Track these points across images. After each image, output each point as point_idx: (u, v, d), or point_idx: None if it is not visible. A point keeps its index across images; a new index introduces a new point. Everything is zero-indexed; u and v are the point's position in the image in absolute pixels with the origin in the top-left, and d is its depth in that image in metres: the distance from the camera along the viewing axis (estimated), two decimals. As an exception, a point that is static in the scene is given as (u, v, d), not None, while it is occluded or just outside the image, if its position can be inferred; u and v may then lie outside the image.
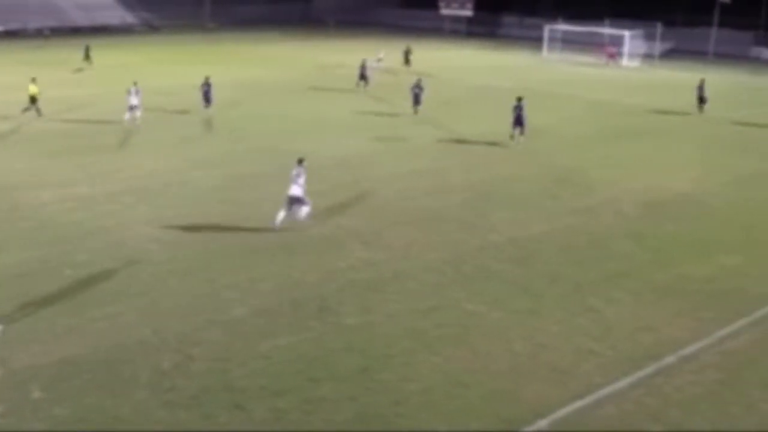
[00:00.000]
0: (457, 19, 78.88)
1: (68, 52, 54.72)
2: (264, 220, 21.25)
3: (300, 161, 20.72)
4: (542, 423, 12.29)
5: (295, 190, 20.34)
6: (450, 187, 25.12)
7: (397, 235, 20.50)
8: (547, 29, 64.52)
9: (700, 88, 39.78)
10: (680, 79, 53.48)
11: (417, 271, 18.18)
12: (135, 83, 33.09)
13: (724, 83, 51.60)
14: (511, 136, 31.00)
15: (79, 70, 48.90)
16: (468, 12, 77.28)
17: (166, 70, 49.11)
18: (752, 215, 23.19)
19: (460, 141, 32.06)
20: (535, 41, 66.53)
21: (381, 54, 52.59)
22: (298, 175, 20.34)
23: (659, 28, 62.40)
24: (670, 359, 14.34)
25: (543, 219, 22.23)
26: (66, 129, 32.30)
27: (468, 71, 52.13)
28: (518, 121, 30.87)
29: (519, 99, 31.29)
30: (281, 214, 20.44)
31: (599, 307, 16.54)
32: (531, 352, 14.53)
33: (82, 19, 75.03)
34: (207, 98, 35.21)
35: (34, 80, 33.89)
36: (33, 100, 33.48)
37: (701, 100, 39.53)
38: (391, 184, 25.31)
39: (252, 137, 31.59)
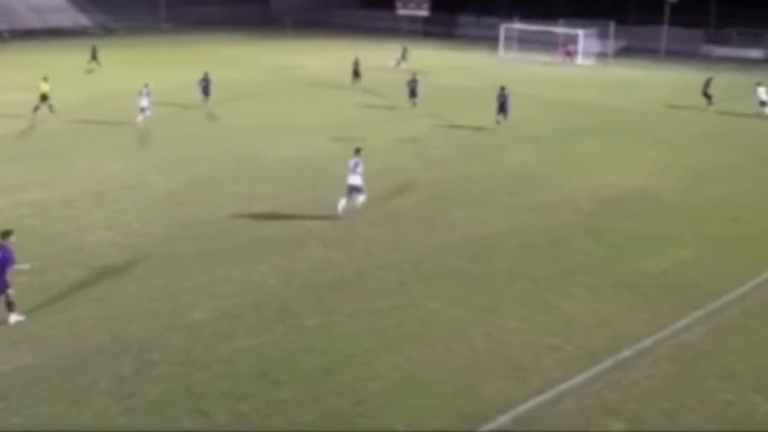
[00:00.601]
0: (414, 20, 79.15)
1: (29, 54, 53.94)
2: (225, 222, 21.18)
3: (357, 151, 21.72)
4: (503, 419, 12.44)
5: (354, 180, 21.38)
6: (409, 185, 25.24)
7: (357, 235, 20.56)
8: (503, 29, 65.09)
9: (707, 85, 40.84)
10: (634, 76, 54.38)
11: (377, 270, 18.26)
12: (146, 84, 33.39)
13: (676, 80, 52.57)
14: (497, 122, 34.25)
15: (90, 71, 48.91)
16: (425, 12, 77.61)
17: (123, 72, 48.55)
18: (704, 210, 23.66)
19: (418, 139, 32.22)
20: (491, 41, 66.99)
21: (398, 54, 53.55)
22: (356, 165, 21.35)
23: (612, 27, 63.34)
24: (627, 353, 14.60)
25: (501, 216, 22.46)
26: (24, 132, 31.78)
27: (426, 71, 52.30)
28: (502, 108, 34.40)
29: (502, 88, 34.85)
30: (342, 202, 21.47)
31: (557, 302, 16.77)
32: (491, 349, 14.68)
33: (34, 22, 73.76)
34: (206, 92, 37.61)
35: (45, 79, 34.06)
36: (44, 98, 33.79)
37: (707, 96, 40.62)
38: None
39: (213, 139, 31.42)
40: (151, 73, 47.65)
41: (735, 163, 29.74)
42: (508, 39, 64.61)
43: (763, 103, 40.28)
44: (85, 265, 18.05)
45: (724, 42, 68.03)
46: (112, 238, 19.92)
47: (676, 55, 64.44)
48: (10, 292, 14.83)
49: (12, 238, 15.15)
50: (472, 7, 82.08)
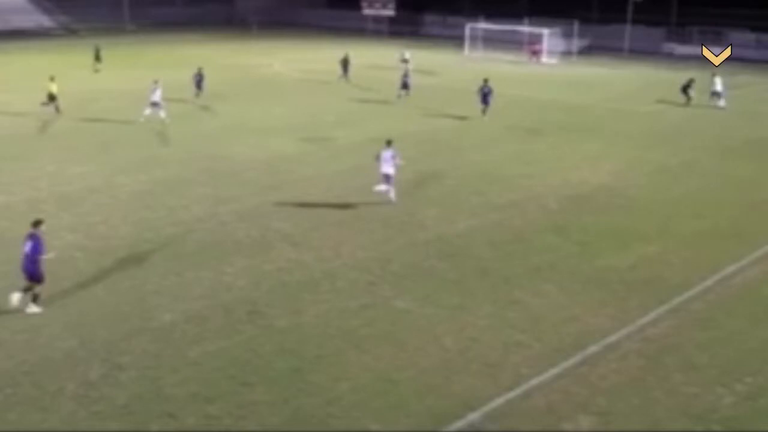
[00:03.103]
0: (379, 19, 79.25)
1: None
2: (192, 224, 21.04)
3: (389, 143, 23.37)
4: (473, 417, 12.52)
5: (388, 169, 23.05)
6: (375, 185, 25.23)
7: (326, 236, 20.55)
8: (469, 28, 65.38)
9: (688, 85, 41.99)
10: (598, 75, 54.89)
11: (346, 270, 18.26)
12: (156, 81, 33.94)
13: (639, 78, 53.20)
14: (483, 111, 36.49)
15: (97, 71, 49.12)
16: (390, 12, 77.74)
17: (84, 75, 47.99)
18: (669, 206, 23.98)
19: (384, 139, 32.11)
20: (457, 40, 67.28)
21: (407, 55, 53.96)
22: (392, 156, 23.04)
23: (576, 26, 63.91)
24: (594, 348, 14.77)
25: (469, 215, 22.58)
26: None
27: (392, 71, 52.36)
28: (484, 100, 36.56)
29: (485, 80, 36.83)
30: (382, 187, 23.21)
31: (526, 299, 16.91)
32: (461, 347, 14.76)
33: (-5, 23, 72.93)
34: (199, 86, 39.88)
35: (53, 79, 34.78)
36: (51, 97, 34.55)
37: (686, 93, 41.94)
38: (318, 184, 25.33)
39: (179, 140, 31.15)
40: (120, 75, 47.36)
41: (697, 159, 30.17)
42: (473, 38, 64.92)
43: (716, 94, 41.65)
44: (51, 269, 17.78)
45: (685, 40, 68.96)
46: (79, 241, 19.71)
47: (639, 53, 65.21)
48: (41, 287, 15.82)
49: (42, 227, 15.96)
50: (437, 7, 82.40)
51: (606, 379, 13.77)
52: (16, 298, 15.60)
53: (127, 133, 32.50)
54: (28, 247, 15.71)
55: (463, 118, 36.73)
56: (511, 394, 13.16)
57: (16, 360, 13.82)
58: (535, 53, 61.73)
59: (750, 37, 67.76)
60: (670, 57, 65.66)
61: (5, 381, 13.12)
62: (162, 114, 33.73)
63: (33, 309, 15.71)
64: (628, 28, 66.71)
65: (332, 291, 17.12)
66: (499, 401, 12.95)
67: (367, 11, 79.19)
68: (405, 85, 41.45)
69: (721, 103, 41.23)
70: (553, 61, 60.90)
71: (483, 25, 65.24)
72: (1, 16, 74.13)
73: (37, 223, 16.03)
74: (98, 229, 20.65)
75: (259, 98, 41.44)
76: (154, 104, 33.67)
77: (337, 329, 15.32)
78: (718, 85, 41.69)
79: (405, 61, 52.37)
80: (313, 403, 12.80)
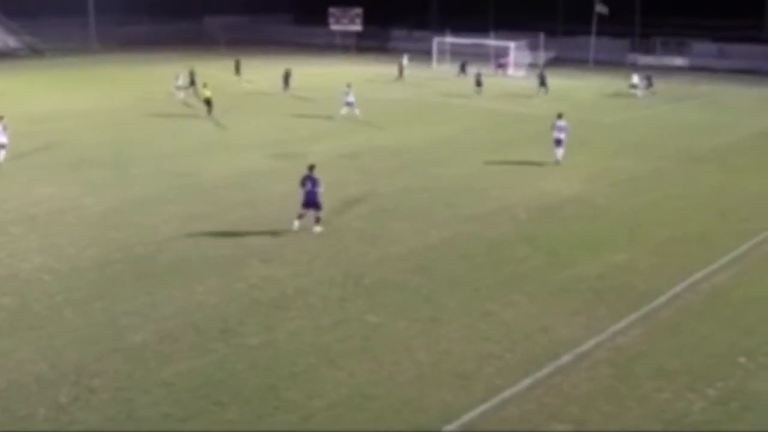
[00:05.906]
0: (347, 34, 79.60)
1: None
2: (162, 243, 20.90)
3: (560, 115, 30.40)
4: (448, 429, 12.53)
5: (560, 135, 30.08)
6: (349, 200, 25.28)
7: (298, 251, 20.51)
8: (436, 42, 65.84)
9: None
10: (564, 86, 55.45)
11: (319, 286, 18.24)
12: (348, 85, 40.70)
13: (605, 88, 53.87)
14: (538, 92, 48.42)
15: (250, 82, 53.14)
16: (357, 27, 78.20)
17: (45, 96, 47.62)
18: (637, 214, 24.26)
19: (357, 154, 32.30)
20: (424, 54, 67.72)
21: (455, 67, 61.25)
22: (562, 126, 30.01)
23: (542, 38, 64.63)
24: (566, 358, 14.87)
25: (441, 227, 22.67)
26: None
27: (360, 85, 52.50)
28: (543, 83, 48.89)
29: (543, 68, 51.48)
30: (560, 151, 30.24)
31: (498, 311, 16.99)
32: (434, 360, 14.80)
33: (-42, 44, 72.18)
34: (287, 83, 48.49)
35: (205, 85, 40.77)
36: (208, 102, 40.07)
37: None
38: (288, 200, 25.27)
39: (148, 158, 30.95)
40: (79, 94, 47.05)
41: (664, 168, 30.59)
42: (440, 52, 65.38)
43: (633, 86, 50.37)
44: (19, 291, 17.62)
45: (648, 51, 70.07)
46: (47, 263, 19.48)
47: (604, 64, 66.14)
48: (321, 212, 21.80)
49: (315, 170, 21.56)
50: (404, 21, 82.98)
51: (578, 388, 13.86)
52: (296, 224, 21.52)
53: (93, 152, 32.20)
54: (309, 185, 21.36)
55: (434, 132, 36.92)
56: (485, 406, 13.20)
57: (-15, 385, 13.62)
58: (501, 66, 62.30)
59: (712, 47, 69.05)
60: (634, 67, 66.60)
61: (-26, 407, 12.93)
62: (356, 111, 39.75)
63: (317, 229, 21.62)
64: (592, 40, 67.64)
65: (305, 307, 17.09)
66: (473, 413, 12.98)
67: (334, 27, 79.57)
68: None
69: (639, 93, 50.18)
70: (520, 73, 61.48)
71: (450, 39, 65.76)
72: (-36, 37, 73.49)
73: (311, 168, 21.59)
74: (66, 250, 20.42)
75: (228, 114, 41.28)
76: (349, 104, 39.96)
77: (310, 346, 15.28)
78: (635, 78, 51.52)
79: (463, 67, 59.36)
80: (288, 420, 12.75)
